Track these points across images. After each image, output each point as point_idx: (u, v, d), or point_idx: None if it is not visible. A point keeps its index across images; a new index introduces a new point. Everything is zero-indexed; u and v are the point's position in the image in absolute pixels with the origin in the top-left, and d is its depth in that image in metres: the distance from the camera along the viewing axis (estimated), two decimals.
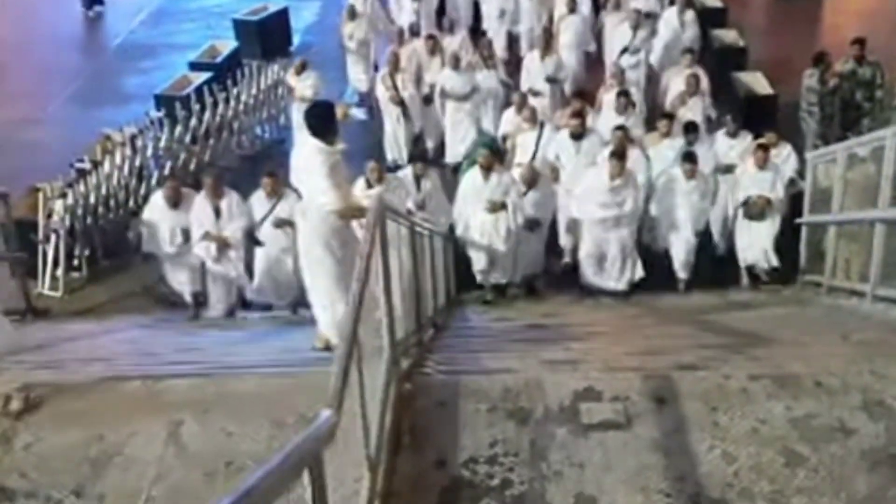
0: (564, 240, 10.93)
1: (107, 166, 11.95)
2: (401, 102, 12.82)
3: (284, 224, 9.55)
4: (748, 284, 10.60)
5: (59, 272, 11.13)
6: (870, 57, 12.83)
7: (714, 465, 4.61)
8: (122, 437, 4.92)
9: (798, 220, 10.46)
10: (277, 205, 9.75)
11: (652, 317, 9.15)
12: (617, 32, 14.18)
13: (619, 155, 9.95)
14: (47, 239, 11.09)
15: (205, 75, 14.92)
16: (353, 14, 14.91)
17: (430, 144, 13.53)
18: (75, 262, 11.31)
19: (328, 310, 6.70)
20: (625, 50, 13.76)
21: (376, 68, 15.04)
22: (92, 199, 11.48)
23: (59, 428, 5.05)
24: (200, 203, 9.78)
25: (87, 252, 11.40)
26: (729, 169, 10.92)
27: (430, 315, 7.34)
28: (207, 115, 13.62)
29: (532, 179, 10.16)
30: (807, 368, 5.41)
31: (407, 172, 10.32)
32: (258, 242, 9.92)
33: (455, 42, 14.09)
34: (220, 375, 5.74)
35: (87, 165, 11.97)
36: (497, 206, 9.71)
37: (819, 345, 6.51)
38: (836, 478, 4.49)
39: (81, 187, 11.45)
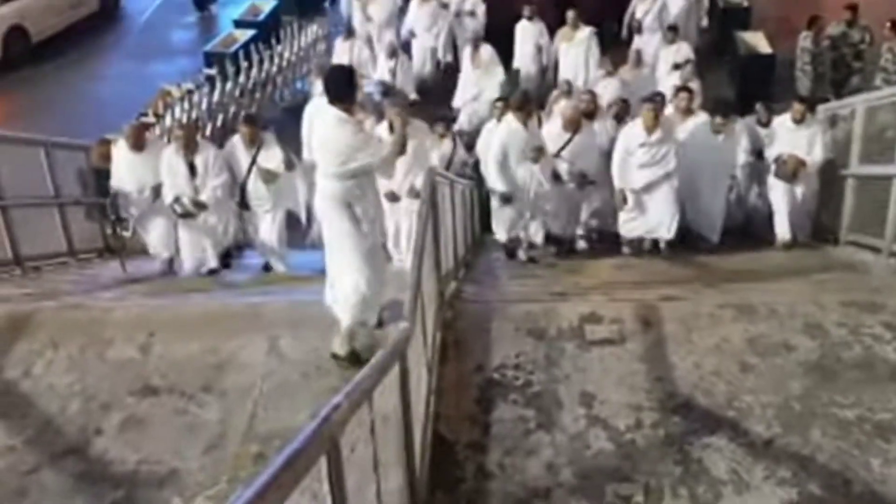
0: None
1: (167, 119, 13.31)
2: None
3: (270, 178, 9.13)
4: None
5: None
6: (863, 21, 14.03)
7: (685, 371, 6.01)
8: (234, 348, 6.38)
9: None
10: (258, 154, 9.16)
11: (653, 262, 9.46)
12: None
13: (655, 102, 9.46)
14: None
15: (249, 33, 16.20)
16: (350, 33, 15.01)
17: None
18: None
19: (353, 287, 6.30)
20: (677, 66, 13.18)
21: None
22: None
23: (183, 342, 6.51)
24: (172, 158, 9.10)
25: None
26: (760, 155, 10.21)
27: (463, 255, 8.63)
28: (254, 71, 14.97)
29: (578, 122, 9.50)
30: (764, 300, 6.80)
31: None
32: (246, 206, 9.37)
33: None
34: (301, 302, 7.14)
35: (150, 119, 13.36)
36: (541, 153, 9.01)
37: (782, 282, 7.88)
38: (778, 381, 5.88)
39: None
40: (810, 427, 5.50)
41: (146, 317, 6.92)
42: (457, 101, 14.11)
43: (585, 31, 13.96)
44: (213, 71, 14.85)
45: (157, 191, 9.29)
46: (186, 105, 13.74)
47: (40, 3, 18.04)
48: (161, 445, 5.62)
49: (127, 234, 10.30)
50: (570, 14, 14.02)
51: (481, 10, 15.48)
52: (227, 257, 9.82)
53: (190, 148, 9.10)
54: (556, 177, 9.39)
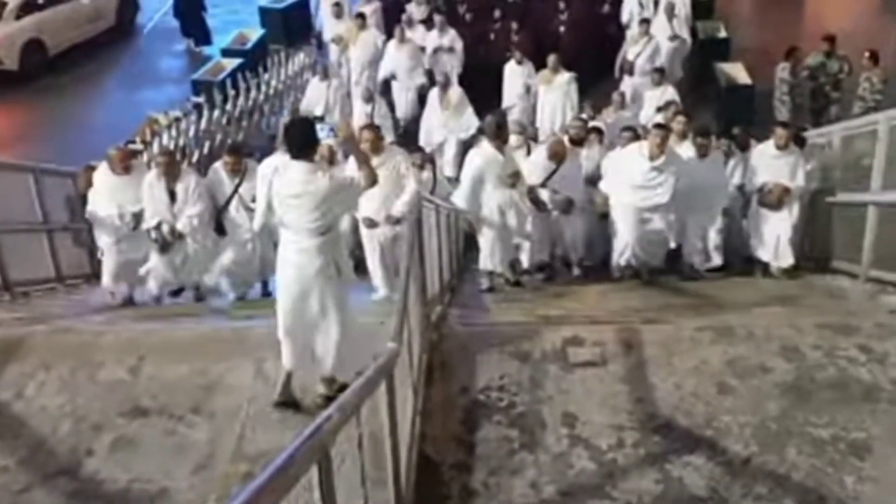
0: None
1: (155, 147, 13.42)
2: None
3: (251, 210, 8.72)
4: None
5: None
6: (840, 51, 14.33)
7: (666, 392, 6.16)
8: (222, 370, 6.49)
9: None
10: (242, 183, 9.13)
11: (638, 289, 9.40)
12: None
13: (665, 128, 9.31)
14: None
15: (236, 61, 16.44)
16: (326, 73, 14.98)
17: None
18: None
19: (340, 340, 6.22)
20: (660, 109, 12.92)
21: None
22: None
23: (172, 365, 6.62)
24: (154, 184, 8.95)
25: None
26: (741, 187, 10.04)
27: (448, 279, 8.76)
28: (241, 99, 15.15)
29: (563, 154, 9.47)
30: (742, 322, 6.98)
31: None
32: (222, 231, 9.29)
33: None
34: None
35: (138, 146, 13.48)
36: (517, 178, 8.99)
37: (760, 307, 8.05)
38: (755, 402, 6.03)
39: None
40: (786, 446, 5.65)
41: (136, 340, 7.04)
42: (422, 141, 13.60)
43: (565, 76, 13.96)
44: (200, 99, 15.02)
45: (137, 218, 9.11)
46: (174, 132, 13.88)
47: (58, 17, 18.73)
48: (151, 465, 5.72)
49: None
50: (551, 59, 14.05)
51: (459, 45, 15.45)
52: (197, 289, 9.68)
53: (171, 175, 8.98)
54: (539, 204, 9.40)
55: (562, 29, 16.20)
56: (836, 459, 5.53)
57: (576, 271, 10.14)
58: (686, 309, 7.98)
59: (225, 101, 14.88)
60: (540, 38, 15.69)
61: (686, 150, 9.60)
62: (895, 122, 8.56)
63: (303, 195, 5.93)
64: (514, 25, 15.84)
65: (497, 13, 16.30)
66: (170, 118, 14.30)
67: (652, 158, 9.05)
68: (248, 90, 15.36)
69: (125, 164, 9.25)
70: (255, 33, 18.12)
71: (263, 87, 15.74)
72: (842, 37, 14.57)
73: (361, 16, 15.80)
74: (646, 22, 15.23)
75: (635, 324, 7.07)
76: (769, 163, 9.62)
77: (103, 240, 9.36)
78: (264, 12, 19.07)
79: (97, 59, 19.06)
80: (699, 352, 6.58)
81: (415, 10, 16.49)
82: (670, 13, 15.66)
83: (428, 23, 16.12)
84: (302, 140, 5.98)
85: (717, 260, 9.81)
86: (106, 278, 9.48)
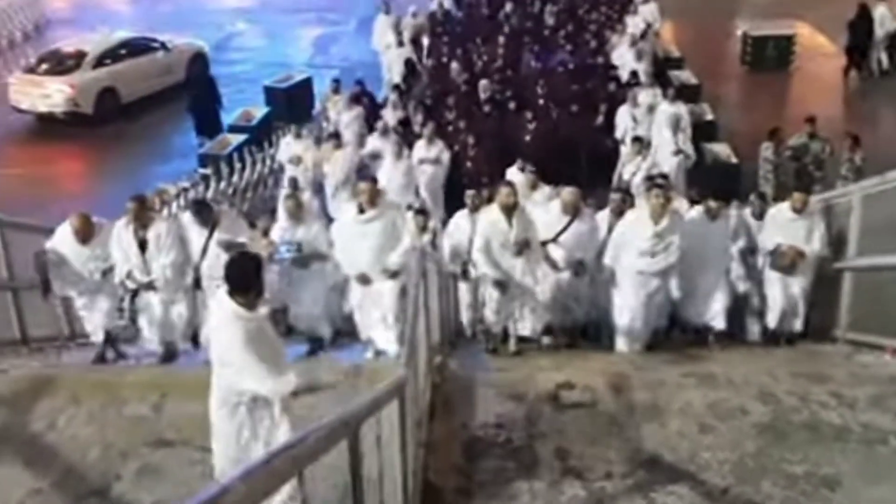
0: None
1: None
2: None
3: (231, 247, 8.29)
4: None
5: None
6: (822, 132, 15.06)
7: (652, 431, 6.65)
8: None
9: None
10: (214, 231, 8.66)
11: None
12: None
13: (663, 189, 9.04)
14: None
15: (242, 137, 17.21)
16: (295, 186, 14.08)
17: None
18: None
19: None
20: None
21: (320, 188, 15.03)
22: None
23: (191, 401, 7.05)
24: (122, 232, 8.60)
25: None
26: (753, 251, 9.75)
27: (448, 334, 9.15)
28: (247, 171, 15.85)
29: (577, 207, 9.15)
30: (723, 371, 7.51)
31: None
32: (199, 285, 8.82)
33: None
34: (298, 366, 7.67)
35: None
36: (524, 246, 8.69)
37: (742, 358, 8.59)
38: (734, 440, 6.52)
39: None
40: (762, 480, 6.10)
41: (158, 379, 7.57)
42: None
43: (545, 191, 12.53)
44: (207, 171, 15.71)
45: (106, 273, 8.78)
46: (181, 202, 14.48)
47: (132, 69, 20.85)
48: (176, 490, 6.14)
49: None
50: (530, 176, 12.80)
51: (446, 157, 14.89)
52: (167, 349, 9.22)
53: (141, 221, 8.59)
54: (550, 262, 9.09)
55: (527, 139, 15.74)
56: (808, 491, 5.97)
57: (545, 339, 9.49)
58: (671, 360, 8.51)
59: (231, 173, 15.57)
60: (517, 150, 14.80)
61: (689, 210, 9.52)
62: (868, 192, 9.13)
63: (220, 342, 5.63)
64: (471, 140, 15.48)
65: (462, 124, 15.89)
66: (178, 188, 14.93)
67: (656, 222, 8.76)
68: (252, 164, 16.06)
69: (82, 234, 8.67)
70: (259, 111, 18.86)
71: (267, 161, 16.43)
72: (823, 119, 15.33)
73: (337, 135, 15.68)
74: (639, 140, 14.57)
75: (624, 370, 7.58)
76: (785, 226, 9.38)
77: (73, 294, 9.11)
78: (269, 91, 19.93)
79: (164, 111, 20.52)
80: (683, 395, 7.11)
81: (390, 115, 16.58)
82: (675, 126, 15.39)
83: (402, 128, 16.03)
84: (237, 279, 5.51)
85: (719, 323, 9.44)
86: (90, 329, 9.31)
